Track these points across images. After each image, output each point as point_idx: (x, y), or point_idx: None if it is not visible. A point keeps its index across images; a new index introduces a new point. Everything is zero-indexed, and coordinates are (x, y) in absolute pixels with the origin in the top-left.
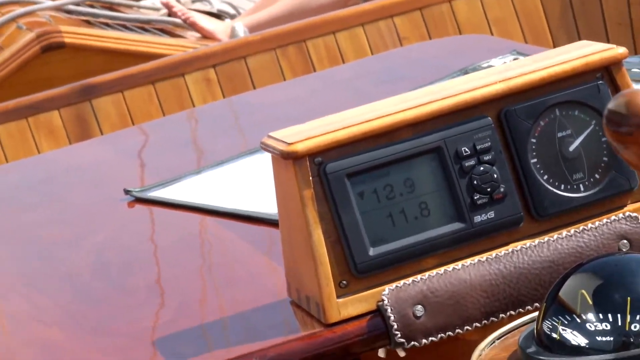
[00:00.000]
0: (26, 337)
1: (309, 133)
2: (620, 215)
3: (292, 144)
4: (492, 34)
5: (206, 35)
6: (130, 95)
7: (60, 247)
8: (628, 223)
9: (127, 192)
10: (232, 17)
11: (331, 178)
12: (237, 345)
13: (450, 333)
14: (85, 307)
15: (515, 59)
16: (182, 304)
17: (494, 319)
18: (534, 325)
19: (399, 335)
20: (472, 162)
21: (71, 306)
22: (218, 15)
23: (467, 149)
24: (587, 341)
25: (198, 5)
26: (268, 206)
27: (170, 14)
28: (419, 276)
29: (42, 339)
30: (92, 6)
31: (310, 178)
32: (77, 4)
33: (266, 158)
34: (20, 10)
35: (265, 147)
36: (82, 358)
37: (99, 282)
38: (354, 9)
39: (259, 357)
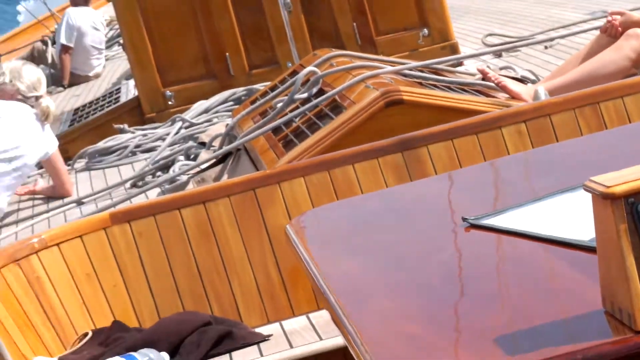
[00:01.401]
0: (393, 330)
1: (623, 179)
2: None
3: (610, 187)
4: None
5: (514, 96)
6: (458, 143)
7: (413, 261)
8: None
9: (464, 219)
10: (533, 82)
11: None
12: (563, 344)
13: None
14: (437, 308)
15: None
16: (515, 310)
17: None
18: None
19: None
20: None
21: (426, 307)
22: (521, 80)
23: None
24: None
25: (504, 72)
26: (580, 234)
27: (485, 78)
28: None
29: (405, 332)
30: (421, 71)
31: (624, 215)
32: (411, 69)
33: (575, 196)
34: (368, 73)
35: (588, 189)
36: (437, 348)
37: (447, 289)
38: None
39: (582, 356)
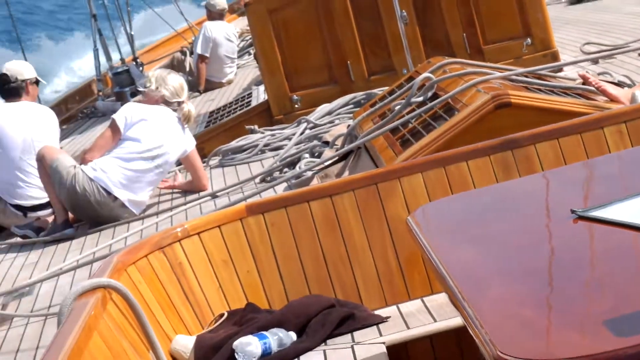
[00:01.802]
0: (508, 314)
1: None
2: None
3: None
4: None
5: (612, 99)
6: (563, 142)
7: (524, 250)
8: None
9: (573, 211)
10: (629, 86)
11: None
12: None
13: None
14: (547, 294)
15: None
16: (620, 295)
17: None
18: None
19: None
20: None
21: (537, 292)
22: (619, 85)
23: None
24: None
25: (602, 77)
26: None
27: (585, 82)
28: None
29: (520, 316)
30: (526, 77)
31: None
32: (517, 75)
33: None
34: (479, 78)
35: None
36: (548, 331)
37: (557, 276)
38: None
39: None
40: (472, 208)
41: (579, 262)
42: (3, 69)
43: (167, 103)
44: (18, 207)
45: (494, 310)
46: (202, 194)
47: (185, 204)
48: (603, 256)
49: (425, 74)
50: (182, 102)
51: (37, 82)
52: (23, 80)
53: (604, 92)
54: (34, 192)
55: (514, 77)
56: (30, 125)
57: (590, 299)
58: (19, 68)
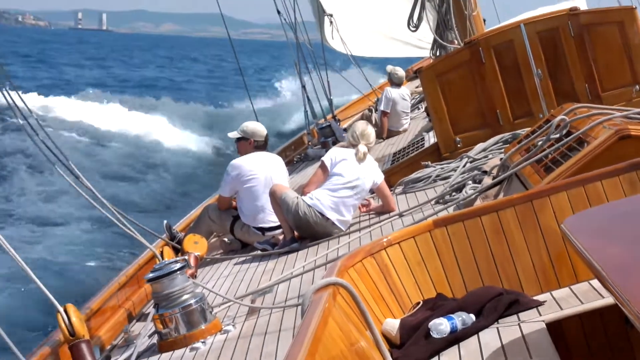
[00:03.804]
0: None
1: None
2: None
3: None
4: None
5: None
6: None
7: None
8: None
9: None
10: None
11: None
12: None
13: None
14: None
15: None
16: None
17: None
18: None
19: None
20: None
21: None
22: None
23: None
24: None
25: None
26: None
27: None
28: None
29: None
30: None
31: None
32: (632, 114)
33: None
34: (604, 118)
35: None
36: None
37: None
38: None
39: None
40: (613, 215)
41: None
42: (248, 132)
43: (355, 146)
44: (258, 229)
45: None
46: (391, 214)
47: (379, 222)
48: None
49: (561, 116)
50: (357, 145)
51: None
52: (261, 139)
53: None
54: (268, 217)
55: (630, 115)
56: (269, 169)
57: None
58: (257, 129)
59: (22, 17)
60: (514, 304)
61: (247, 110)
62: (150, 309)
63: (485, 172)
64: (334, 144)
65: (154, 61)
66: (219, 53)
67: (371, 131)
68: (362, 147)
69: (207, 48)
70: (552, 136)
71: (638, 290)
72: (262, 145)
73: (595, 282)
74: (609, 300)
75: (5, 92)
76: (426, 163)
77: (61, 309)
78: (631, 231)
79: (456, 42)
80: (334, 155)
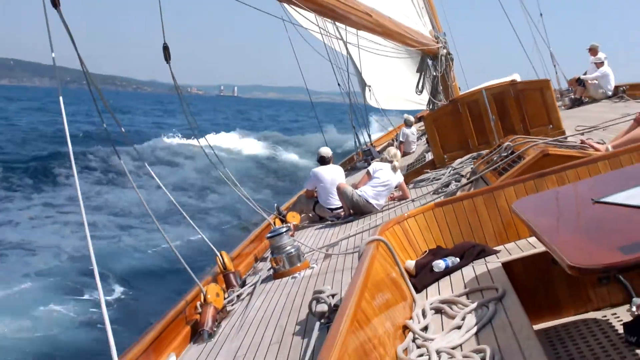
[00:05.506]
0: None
1: None
2: None
3: None
4: None
5: (596, 150)
6: (579, 170)
7: (570, 215)
8: None
9: (593, 200)
10: (603, 143)
11: None
12: None
13: None
14: (586, 233)
15: None
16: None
17: None
18: None
19: None
20: None
21: (582, 233)
22: (598, 143)
23: None
24: None
25: (589, 140)
26: None
27: (582, 143)
28: None
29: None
30: (555, 141)
31: None
32: (549, 141)
33: None
34: (533, 143)
35: None
36: (591, 252)
37: (590, 225)
38: None
39: None
40: (542, 199)
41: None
42: (322, 153)
43: (389, 161)
44: (329, 208)
45: (563, 242)
46: (407, 200)
47: (400, 205)
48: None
49: (507, 143)
50: (392, 161)
51: (332, 157)
52: (329, 157)
53: (591, 146)
54: (335, 201)
55: (548, 142)
56: (333, 174)
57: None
58: (327, 151)
59: (190, 89)
60: (482, 252)
61: (321, 140)
62: (268, 254)
63: (462, 176)
64: (372, 159)
65: (265, 117)
66: (303, 111)
67: (398, 153)
68: (396, 163)
69: (299, 108)
70: (502, 154)
71: (559, 243)
72: (329, 161)
73: (532, 239)
74: (541, 249)
75: (195, 138)
76: (427, 170)
77: (218, 253)
78: (553, 208)
79: (443, 100)
80: (374, 167)
